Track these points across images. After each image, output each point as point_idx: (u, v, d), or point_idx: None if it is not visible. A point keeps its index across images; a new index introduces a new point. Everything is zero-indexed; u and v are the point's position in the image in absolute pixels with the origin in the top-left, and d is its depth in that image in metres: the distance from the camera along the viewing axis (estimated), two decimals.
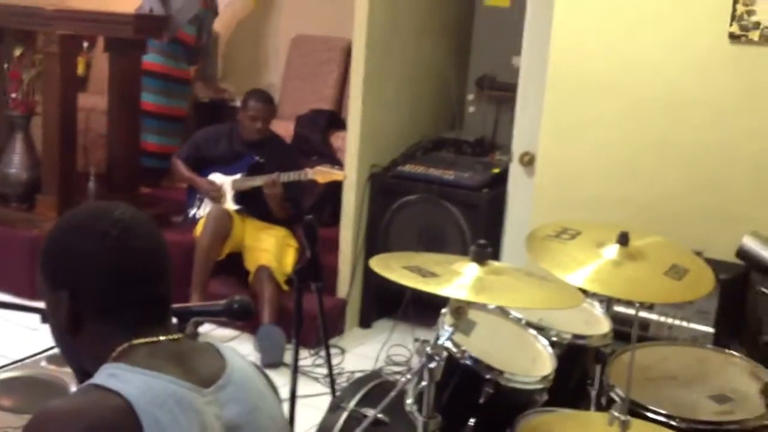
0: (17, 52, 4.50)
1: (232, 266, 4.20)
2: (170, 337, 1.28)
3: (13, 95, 4.48)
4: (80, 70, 5.04)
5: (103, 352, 1.24)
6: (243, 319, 1.93)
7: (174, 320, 1.86)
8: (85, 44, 4.60)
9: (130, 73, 4.59)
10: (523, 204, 3.69)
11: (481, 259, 1.93)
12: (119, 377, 1.18)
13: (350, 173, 4.10)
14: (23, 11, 4.43)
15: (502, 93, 4.44)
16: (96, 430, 1.11)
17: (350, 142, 4.17)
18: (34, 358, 2.00)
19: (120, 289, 1.25)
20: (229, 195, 4.23)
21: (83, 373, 1.30)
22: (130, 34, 4.38)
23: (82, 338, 1.26)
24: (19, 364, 1.98)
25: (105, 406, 1.14)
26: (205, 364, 1.28)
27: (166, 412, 1.16)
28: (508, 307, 2.34)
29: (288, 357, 3.79)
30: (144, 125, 4.82)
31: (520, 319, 2.34)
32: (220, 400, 1.25)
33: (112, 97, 4.59)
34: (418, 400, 2.04)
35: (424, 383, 1.94)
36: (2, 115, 4.64)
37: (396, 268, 1.90)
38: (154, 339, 1.25)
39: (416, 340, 2.07)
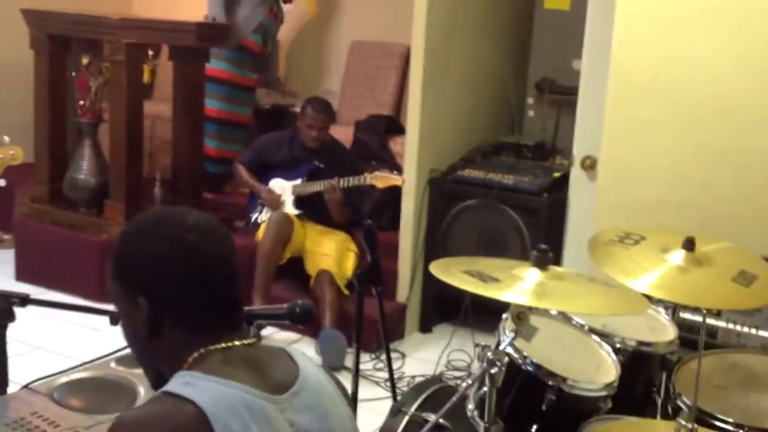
0: (85, 60, 4.61)
1: (294, 270, 4.24)
2: (245, 342, 1.29)
3: (81, 103, 4.60)
4: (145, 77, 5.17)
5: (180, 357, 1.26)
6: (305, 322, 1.96)
7: None
8: (150, 52, 4.70)
9: (194, 80, 4.68)
10: (585, 208, 3.65)
11: (542, 264, 1.92)
12: (193, 385, 1.19)
13: (409, 178, 4.11)
14: (90, 20, 4.54)
15: (562, 96, 4.40)
16: None
17: (409, 147, 4.18)
18: (103, 360, 2.05)
19: (197, 293, 1.26)
20: (289, 200, 4.28)
21: (158, 377, 1.32)
22: (193, 43, 4.46)
23: (160, 343, 1.28)
24: (88, 365, 2.03)
25: (179, 414, 1.15)
26: (278, 370, 1.29)
27: (239, 420, 1.17)
28: (571, 313, 2.31)
29: (349, 361, 3.82)
30: (207, 131, 4.91)
31: (582, 325, 2.31)
32: (294, 407, 1.25)
33: (177, 104, 4.69)
34: (480, 405, 2.04)
35: (485, 389, 1.94)
36: (71, 122, 4.77)
37: (456, 273, 1.90)
38: (229, 344, 1.27)
39: (477, 345, 2.07)
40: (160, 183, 4.59)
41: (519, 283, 1.88)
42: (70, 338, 3.87)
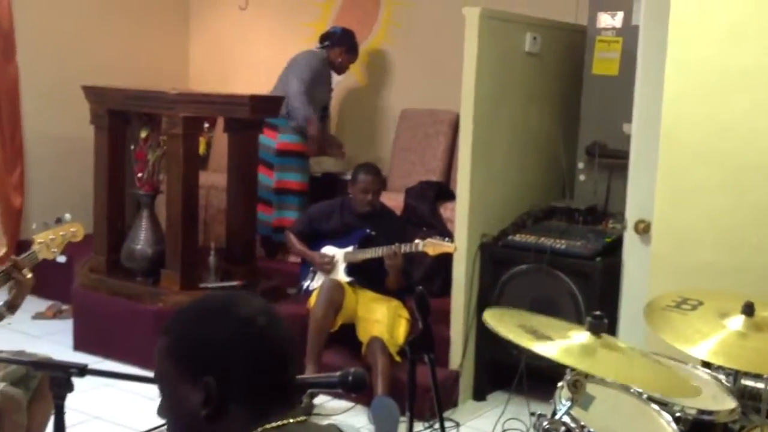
0: (143, 134, 4.75)
1: (346, 337, 4.24)
2: (297, 420, 1.30)
3: (139, 175, 4.72)
4: (201, 149, 5.31)
5: None
6: (357, 391, 1.95)
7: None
8: (206, 125, 4.83)
9: (247, 150, 4.79)
10: (639, 273, 3.59)
11: (596, 330, 1.89)
12: None
13: (460, 243, 4.11)
14: (148, 96, 4.69)
15: (613, 160, 4.39)
16: None
17: (459, 212, 4.20)
18: (159, 429, 2.07)
19: (265, 375, 1.28)
20: (341, 267, 4.31)
21: None
22: (247, 114, 4.57)
23: (219, 424, 1.28)
24: None
25: None
26: None
27: None
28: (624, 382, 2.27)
29: (402, 430, 3.77)
30: (285, 202, 5.09)
31: (641, 393, 2.26)
32: None
33: (231, 174, 4.79)
34: None
35: None
36: (129, 194, 4.90)
37: (510, 325, 1.88)
38: (284, 423, 1.28)
39: (533, 414, 2.04)
40: (215, 252, 4.66)
41: (572, 345, 1.85)
42: (126, 407, 3.90)
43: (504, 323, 1.94)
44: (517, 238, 4.14)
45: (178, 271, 4.50)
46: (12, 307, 2.85)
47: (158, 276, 4.58)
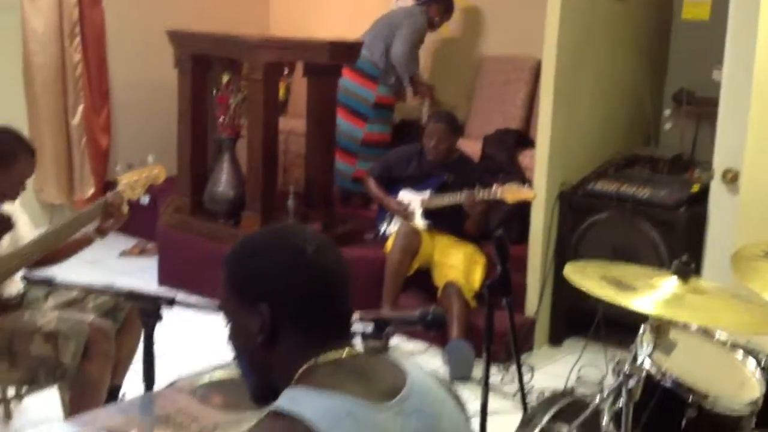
0: (225, 78, 4.81)
1: (421, 282, 4.27)
2: (352, 353, 1.32)
3: (221, 119, 4.80)
4: (281, 94, 5.35)
5: (290, 367, 1.30)
6: (436, 329, 1.98)
7: (372, 328, 1.93)
8: (286, 70, 4.85)
9: (326, 96, 4.80)
10: (726, 223, 3.51)
11: (684, 275, 1.86)
12: (300, 402, 1.22)
13: (539, 191, 4.07)
14: (231, 41, 4.73)
15: (701, 108, 4.26)
16: None
17: (539, 160, 4.14)
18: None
19: (314, 305, 1.31)
20: (418, 213, 4.32)
21: (261, 386, 1.36)
22: (327, 60, 4.57)
23: (274, 351, 1.32)
24: (227, 366, 2.11)
25: None
26: (386, 378, 1.31)
27: (347, 431, 1.19)
28: (713, 328, 2.23)
29: (476, 372, 3.80)
30: (370, 154, 5.12)
31: (725, 341, 2.22)
32: (404, 412, 1.26)
33: (310, 119, 4.82)
34: (615, 419, 2.00)
35: (621, 403, 1.89)
36: (211, 138, 4.98)
37: (592, 277, 1.87)
38: (337, 356, 1.30)
39: (612, 359, 2.03)
40: (293, 195, 4.72)
41: (656, 293, 1.83)
42: (208, 341, 4.03)
43: (586, 276, 1.91)
44: (598, 186, 4.07)
45: (258, 213, 4.58)
46: (101, 232, 2.96)
47: (239, 218, 4.67)
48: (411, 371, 1.33)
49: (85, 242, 2.97)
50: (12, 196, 2.82)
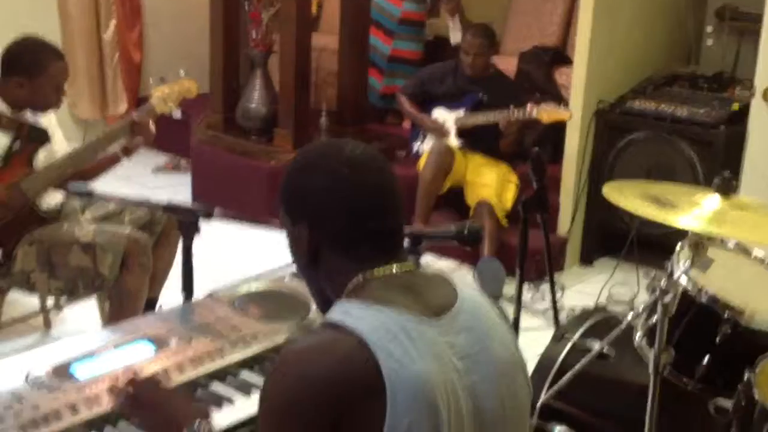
0: None
1: (454, 201, 4.26)
2: (403, 268, 1.31)
3: (253, 34, 4.74)
4: (313, 9, 5.26)
5: (340, 283, 1.30)
6: (472, 244, 1.99)
7: (407, 243, 1.94)
8: None
9: (360, 12, 4.72)
10: (765, 142, 3.44)
11: (725, 191, 1.83)
12: (352, 315, 1.23)
13: (575, 109, 4.01)
14: None
15: (744, 24, 4.13)
16: (334, 368, 1.18)
17: (576, 77, 4.07)
18: (279, 274, 2.16)
19: (355, 224, 1.30)
20: (451, 131, 4.28)
21: (321, 297, 1.38)
22: None
23: (321, 269, 1.33)
24: (265, 277, 2.14)
25: (342, 345, 1.20)
26: (436, 294, 1.31)
27: (398, 344, 1.20)
28: (751, 245, 2.21)
29: (507, 290, 3.82)
30: (397, 71, 5.02)
31: (762, 259, 2.21)
32: (453, 329, 1.27)
33: (343, 36, 4.75)
34: (649, 334, 2.00)
35: (655, 318, 1.90)
36: (243, 54, 4.95)
37: (630, 196, 1.85)
38: (387, 272, 1.30)
39: (647, 276, 2.02)
40: (326, 113, 4.70)
41: (697, 210, 1.81)
42: (244, 254, 4.08)
43: (625, 195, 1.89)
44: (636, 104, 4.00)
45: (291, 131, 4.57)
46: (128, 151, 2.97)
47: (272, 135, 4.67)
48: (461, 289, 1.33)
49: (113, 161, 2.99)
50: (54, 103, 2.84)
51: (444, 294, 1.32)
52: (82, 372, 1.66)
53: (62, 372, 1.65)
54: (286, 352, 1.27)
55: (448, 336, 1.26)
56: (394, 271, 1.30)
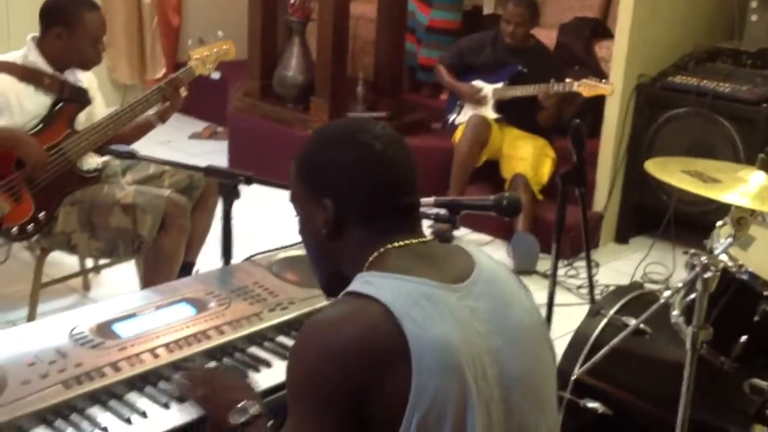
0: None
1: (489, 174, 4.25)
2: (421, 240, 1.34)
3: (292, 1, 4.72)
4: None
5: (359, 257, 1.32)
6: (511, 215, 1.97)
7: (444, 211, 1.94)
8: None
9: None
10: None
11: None
12: (374, 284, 1.25)
13: (615, 83, 3.95)
14: None
15: None
16: (359, 336, 1.20)
17: (617, 51, 4.01)
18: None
19: (380, 199, 1.32)
20: (489, 103, 4.25)
21: (331, 277, 1.39)
22: None
23: (340, 243, 1.34)
24: (300, 245, 2.16)
25: (366, 312, 1.22)
26: (454, 264, 1.33)
27: (420, 310, 1.21)
28: None
29: (540, 266, 3.82)
30: (435, 41, 4.98)
31: None
32: (473, 295, 1.28)
33: (381, 4, 4.72)
34: (687, 311, 1.99)
35: (694, 295, 1.88)
36: (282, 21, 4.94)
37: (674, 172, 1.83)
38: (406, 242, 1.32)
39: (686, 252, 2.01)
40: (362, 82, 4.68)
41: (743, 186, 1.78)
42: (281, 220, 4.10)
43: (667, 171, 1.87)
44: (677, 79, 3.95)
45: (327, 100, 4.57)
46: (162, 118, 3.00)
47: (308, 103, 4.67)
48: (479, 259, 1.35)
49: (148, 127, 3.03)
50: (93, 58, 2.85)
51: (462, 263, 1.34)
52: (124, 331, 1.69)
53: (105, 330, 1.68)
54: (309, 323, 1.28)
55: (469, 301, 1.27)
56: (412, 242, 1.32)
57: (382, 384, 1.18)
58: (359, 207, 1.32)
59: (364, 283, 1.26)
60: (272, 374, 1.68)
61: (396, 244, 1.31)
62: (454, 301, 1.26)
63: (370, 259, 1.31)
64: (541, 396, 1.32)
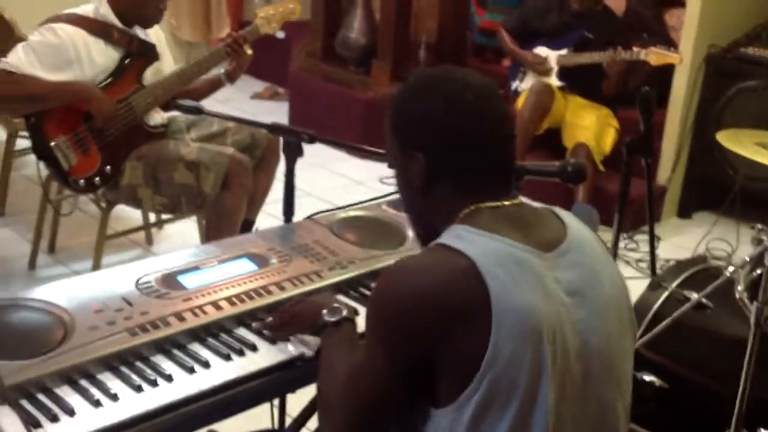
0: None
1: (550, 142, 4.19)
2: (513, 202, 1.30)
3: None
4: None
5: (451, 212, 1.29)
6: (575, 182, 1.93)
7: None
8: None
9: None
10: None
11: None
12: (464, 238, 1.22)
13: (685, 53, 3.86)
14: None
15: None
16: (443, 285, 1.18)
17: (688, 19, 3.91)
18: (375, 201, 2.18)
19: (471, 152, 1.28)
20: (553, 70, 4.18)
21: (426, 228, 1.37)
22: None
23: (432, 198, 1.31)
24: (363, 205, 2.16)
25: (452, 264, 1.20)
26: (546, 229, 1.29)
27: (507, 272, 1.19)
28: None
29: (602, 237, 3.76)
30: (499, 5, 4.93)
31: None
32: (560, 265, 1.26)
33: None
34: (752, 287, 1.95)
35: (760, 270, 1.84)
36: None
37: (747, 144, 1.78)
38: (498, 204, 1.28)
39: (753, 227, 1.96)
40: (425, 46, 4.65)
41: None
42: (335, 187, 4.14)
43: (740, 143, 1.82)
44: (750, 50, 3.84)
45: (389, 63, 4.55)
46: (231, 77, 3.03)
47: (370, 66, 4.65)
48: (571, 225, 1.32)
49: (217, 84, 3.06)
50: (156, 16, 2.88)
51: (553, 229, 1.31)
52: (188, 282, 1.72)
53: (170, 281, 1.71)
54: (396, 264, 1.26)
55: (556, 271, 1.25)
56: (504, 203, 1.29)
57: (458, 339, 1.17)
58: (449, 161, 1.28)
59: (456, 237, 1.24)
60: None
61: (489, 204, 1.28)
62: (542, 269, 1.23)
63: (461, 215, 1.28)
64: (619, 373, 1.30)
